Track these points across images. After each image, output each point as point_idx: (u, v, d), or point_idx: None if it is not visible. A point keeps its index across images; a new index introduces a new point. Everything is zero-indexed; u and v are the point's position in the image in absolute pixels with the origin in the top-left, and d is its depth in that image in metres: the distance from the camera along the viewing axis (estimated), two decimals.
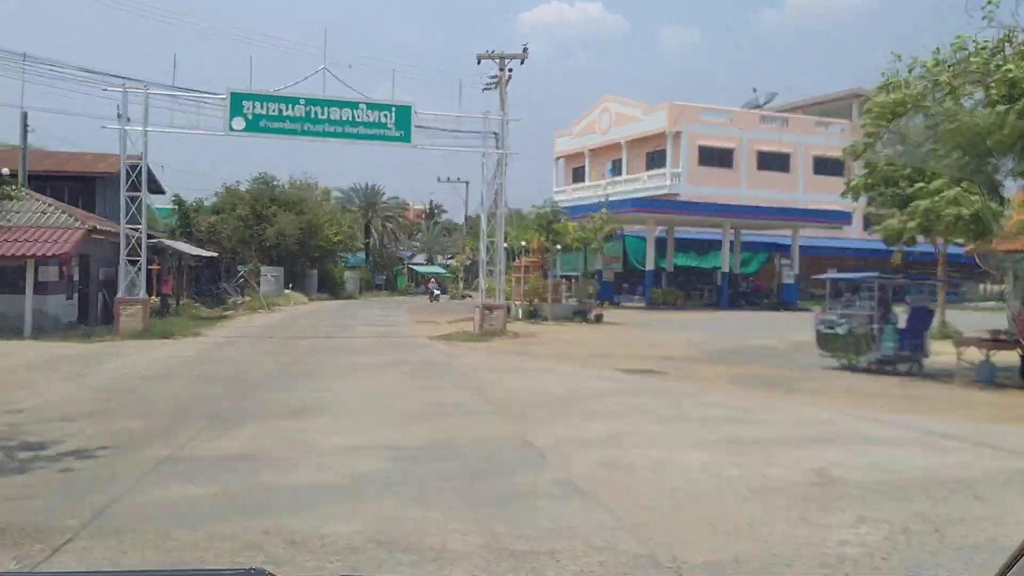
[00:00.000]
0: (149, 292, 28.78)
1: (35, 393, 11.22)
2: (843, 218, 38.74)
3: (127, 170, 20.42)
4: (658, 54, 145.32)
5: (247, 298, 40.27)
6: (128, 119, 20.30)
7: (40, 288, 19.44)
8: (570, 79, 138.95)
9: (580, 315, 28.95)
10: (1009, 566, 1.55)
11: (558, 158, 56.44)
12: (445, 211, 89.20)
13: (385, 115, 22.31)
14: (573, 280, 34.16)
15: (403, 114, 22.46)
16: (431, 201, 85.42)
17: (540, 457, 7.62)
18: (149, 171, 37.67)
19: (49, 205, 20.91)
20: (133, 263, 20.49)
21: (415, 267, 79.67)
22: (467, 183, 60.58)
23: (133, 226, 20.39)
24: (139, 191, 20.23)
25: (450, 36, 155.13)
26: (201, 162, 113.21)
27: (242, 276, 43.45)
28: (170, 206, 37.47)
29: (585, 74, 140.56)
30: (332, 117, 21.86)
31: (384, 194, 72.76)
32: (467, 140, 24.00)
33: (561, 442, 8.26)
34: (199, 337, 21.25)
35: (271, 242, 46.32)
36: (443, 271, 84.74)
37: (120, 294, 20.24)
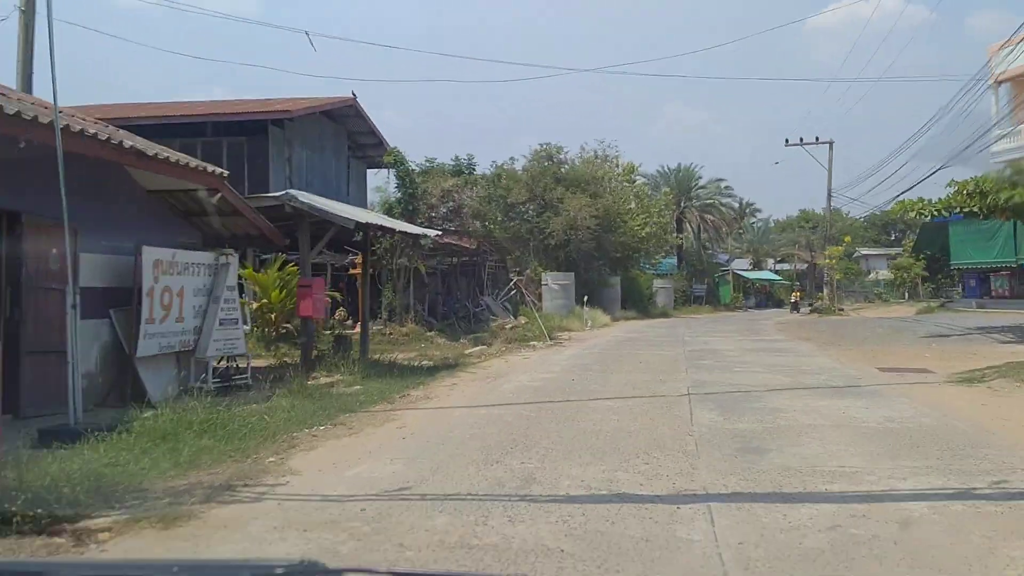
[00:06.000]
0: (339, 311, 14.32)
1: None
2: None
3: None
4: None
5: (520, 319, 25.81)
6: None
7: None
8: None
9: None
10: None
11: (1001, 82, 35.01)
12: (758, 209, 67.24)
13: None
14: None
15: None
16: (741, 200, 61.33)
17: None
18: (370, 123, 24.15)
19: None
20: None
21: (742, 273, 60.76)
22: (830, 142, 41.12)
23: None
24: None
25: None
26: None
27: (513, 286, 29.02)
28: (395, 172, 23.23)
29: None
30: None
31: (701, 177, 54.77)
32: None
33: None
34: (288, 483, 5.83)
35: (557, 239, 31.61)
36: (777, 277, 65.17)
37: None
